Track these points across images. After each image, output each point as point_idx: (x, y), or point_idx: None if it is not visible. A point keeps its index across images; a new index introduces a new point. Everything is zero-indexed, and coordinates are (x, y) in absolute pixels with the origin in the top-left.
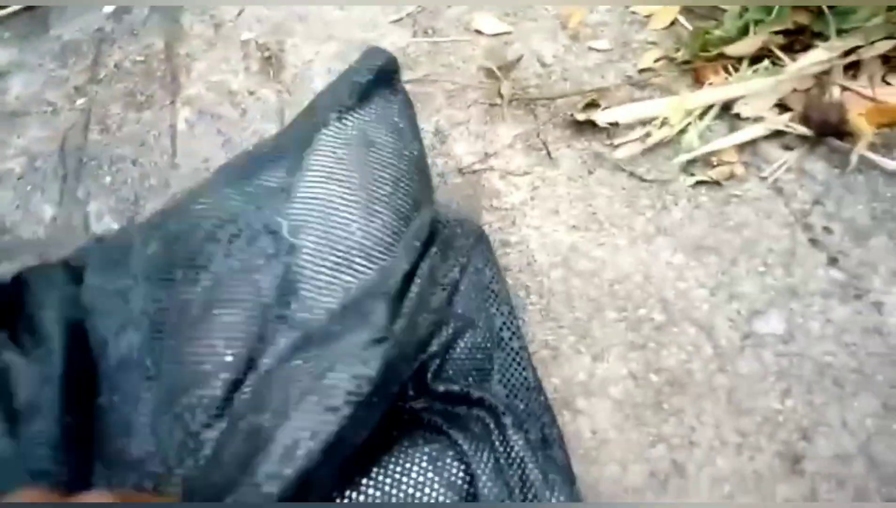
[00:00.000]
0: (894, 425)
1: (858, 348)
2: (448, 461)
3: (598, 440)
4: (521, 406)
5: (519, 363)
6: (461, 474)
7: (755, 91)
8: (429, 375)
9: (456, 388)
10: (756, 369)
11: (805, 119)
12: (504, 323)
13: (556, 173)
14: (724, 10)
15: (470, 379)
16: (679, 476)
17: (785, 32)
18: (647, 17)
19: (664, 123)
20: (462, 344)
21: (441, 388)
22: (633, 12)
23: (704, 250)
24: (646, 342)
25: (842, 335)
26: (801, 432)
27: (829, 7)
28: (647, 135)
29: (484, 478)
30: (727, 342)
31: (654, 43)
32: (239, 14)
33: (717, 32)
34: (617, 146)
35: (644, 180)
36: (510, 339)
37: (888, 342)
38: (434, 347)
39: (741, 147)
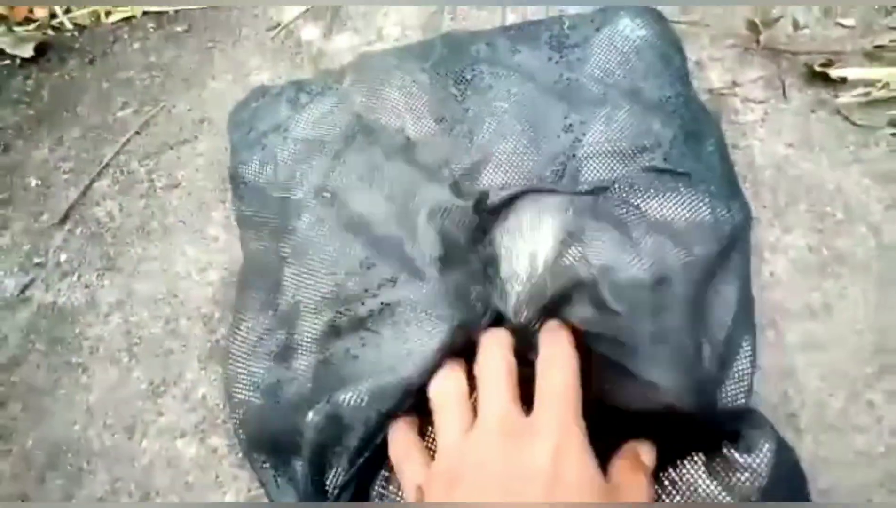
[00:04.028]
0: None
1: None
2: None
3: (772, 280)
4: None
5: None
6: None
7: None
8: None
9: None
10: None
11: None
12: None
13: (786, 107)
14: None
15: None
16: (828, 312)
17: None
18: (894, 7)
19: (885, 86)
20: None
21: None
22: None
23: (889, 182)
24: (825, 229)
25: None
26: None
27: None
28: (868, 93)
29: None
30: (890, 243)
31: (894, 28)
32: None
33: None
34: (840, 97)
35: (855, 124)
36: None
37: None
38: None
39: None
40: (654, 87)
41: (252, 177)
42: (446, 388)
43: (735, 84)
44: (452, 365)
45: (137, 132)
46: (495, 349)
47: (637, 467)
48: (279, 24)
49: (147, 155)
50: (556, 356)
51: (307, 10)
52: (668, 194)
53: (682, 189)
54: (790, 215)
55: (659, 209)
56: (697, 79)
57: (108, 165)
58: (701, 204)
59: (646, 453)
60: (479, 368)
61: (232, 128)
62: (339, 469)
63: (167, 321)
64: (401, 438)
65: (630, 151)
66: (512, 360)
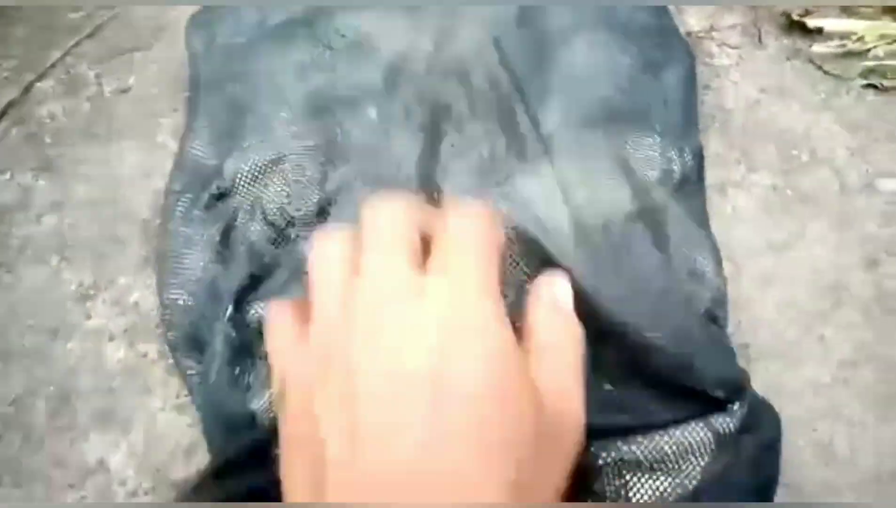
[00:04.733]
0: None
1: None
2: None
3: (735, 215)
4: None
5: None
6: None
7: None
8: None
9: None
10: (866, 205)
11: None
12: None
13: (761, 53)
14: None
15: None
16: (787, 249)
17: None
18: None
19: (860, 39)
20: None
21: None
22: None
23: (857, 128)
24: (790, 170)
25: None
26: (886, 250)
27: None
28: (843, 45)
29: None
30: (851, 185)
31: None
32: None
33: None
34: (815, 46)
35: (828, 74)
36: None
37: None
38: None
39: None
40: (628, 9)
41: (214, 85)
42: (327, 251)
43: (713, 29)
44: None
45: (89, 35)
46: (395, 204)
47: (561, 318)
48: None
49: (97, 59)
50: (470, 215)
51: None
52: (615, 142)
53: (630, 136)
54: (757, 154)
55: (605, 162)
56: (676, 22)
57: (53, 65)
58: (650, 151)
59: (560, 289)
60: (367, 221)
61: (191, 35)
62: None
63: (104, 224)
64: (274, 320)
65: (588, 89)
66: (417, 219)
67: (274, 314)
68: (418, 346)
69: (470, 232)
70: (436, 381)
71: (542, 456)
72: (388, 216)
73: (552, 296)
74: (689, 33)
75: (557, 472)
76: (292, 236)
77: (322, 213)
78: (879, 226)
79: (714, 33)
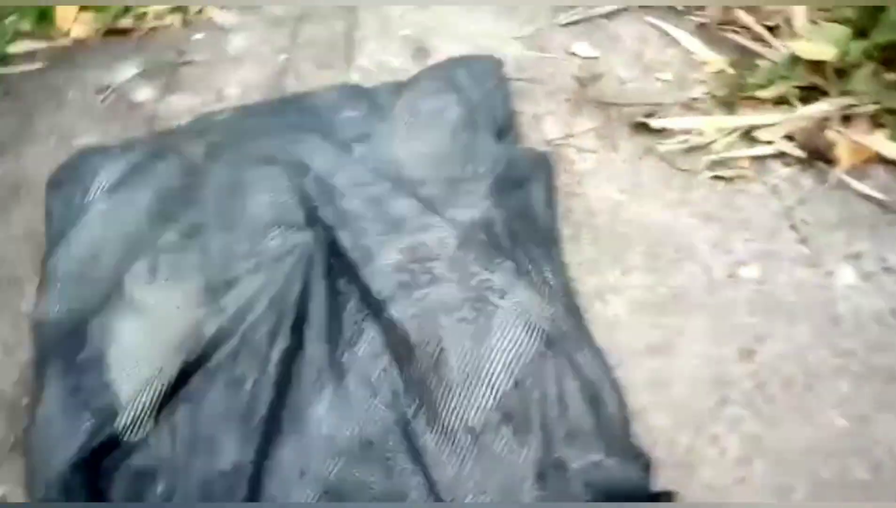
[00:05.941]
0: (821, 340)
1: (807, 295)
2: None
3: (615, 321)
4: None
5: None
6: None
7: (771, 123)
8: None
9: None
10: (734, 296)
11: (803, 146)
12: None
13: (616, 156)
14: (759, 64)
15: None
16: (669, 349)
17: (801, 87)
18: (703, 63)
19: (700, 134)
20: None
21: None
22: (693, 57)
23: (712, 221)
24: (660, 269)
25: (798, 287)
26: (758, 338)
27: (837, 74)
28: (686, 141)
29: None
30: (718, 278)
31: (704, 81)
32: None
33: (752, 80)
34: (663, 144)
35: (679, 169)
36: None
37: (827, 294)
38: None
39: (753, 159)
40: (458, 158)
41: (75, 245)
42: None
43: (568, 136)
44: None
45: None
46: None
47: None
48: (109, 86)
49: None
50: None
51: (141, 71)
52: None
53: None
54: (628, 256)
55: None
56: (536, 131)
57: None
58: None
59: None
60: None
61: (50, 193)
62: None
63: None
64: None
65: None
66: None
67: None
68: None
69: None
70: None
71: None
72: None
73: None
74: (548, 141)
75: None
76: None
77: None
78: (749, 314)
79: (571, 140)
